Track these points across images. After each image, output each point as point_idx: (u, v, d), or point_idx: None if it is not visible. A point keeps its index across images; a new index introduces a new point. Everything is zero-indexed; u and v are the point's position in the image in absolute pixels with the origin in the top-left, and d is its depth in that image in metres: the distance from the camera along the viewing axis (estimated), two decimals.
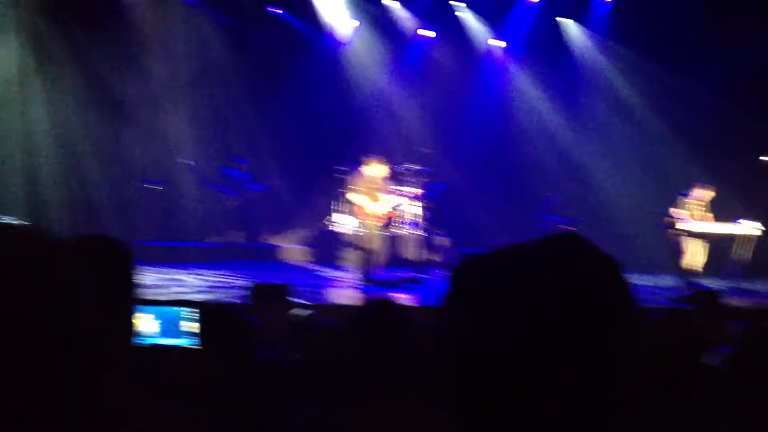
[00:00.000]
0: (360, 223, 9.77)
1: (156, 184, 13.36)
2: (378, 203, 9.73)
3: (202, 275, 10.66)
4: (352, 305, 8.01)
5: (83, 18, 12.67)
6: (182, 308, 5.49)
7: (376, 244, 9.90)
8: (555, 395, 0.88)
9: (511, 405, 0.89)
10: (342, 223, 13.30)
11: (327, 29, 15.02)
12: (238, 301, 7.95)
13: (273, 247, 13.72)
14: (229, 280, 10.08)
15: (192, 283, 9.84)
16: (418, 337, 2.25)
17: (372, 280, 9.67)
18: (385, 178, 10.22)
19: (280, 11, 14.73)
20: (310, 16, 14.83)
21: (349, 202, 10.10)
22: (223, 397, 2.64)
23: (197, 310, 3.82)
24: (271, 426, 2.63)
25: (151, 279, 9.23)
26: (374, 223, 9.76)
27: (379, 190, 9.83)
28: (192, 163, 13.46)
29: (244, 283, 8.91)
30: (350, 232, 12.62)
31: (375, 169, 9.69)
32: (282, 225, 14.59)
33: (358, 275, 9.80)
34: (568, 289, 0.89)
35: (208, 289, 9.31)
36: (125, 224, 12.21)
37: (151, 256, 10.86)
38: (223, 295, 8.60)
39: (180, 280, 9.98)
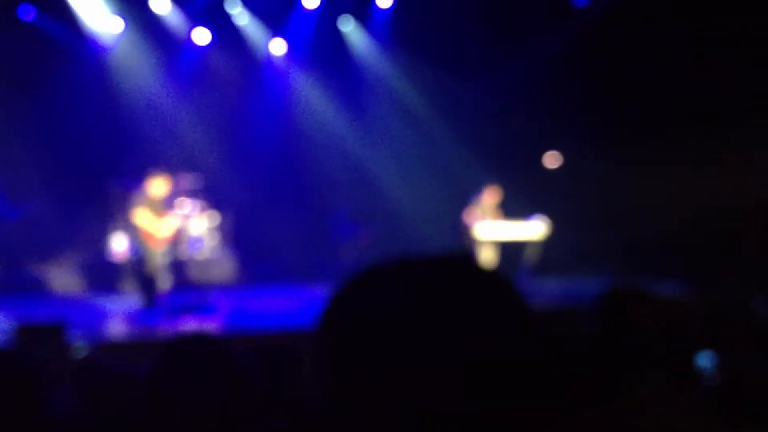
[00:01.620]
0: (142, 245, 9.21)
1: None
2: (162, 223, 9.24)
3: None
4: (142, 342, 7.53)
5: None
6: None
7: (160, 268, 9.41)
8: (458, 416, 0.86)
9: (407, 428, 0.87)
10: (121, 246, 12.57)
11: (87, 33, 14.10)
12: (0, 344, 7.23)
13: (38, 278, 12.67)
14: None
15: None
16: (244, 371, 2.06)
17: (157, 308, 9.17)
18: (167, 196, 9.76)
19: (30, 14, 13.61)
20: (65, 18, 13.84)
21: (130, 224, 9.51)
22: None
23: None
24: None
25: None
26: (158, 245, 9.27)
27: (162, 209, 9.34)
28: None
29: (7, 322, 8.13)
30: (130, 256, 11.96)
31: (157, 187, 9.20)
32: (47, 251, 13.49)
33: (141, 303, 9.25)
34: (465, 303, 0.89)
35: None
36: None
37: None
38: None
39: None
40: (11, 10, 13.27)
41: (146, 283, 9.18)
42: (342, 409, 0.90)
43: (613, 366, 2.09)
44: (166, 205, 9.56)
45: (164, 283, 9.49)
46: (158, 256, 9.24)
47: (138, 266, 10.01)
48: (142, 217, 9.03)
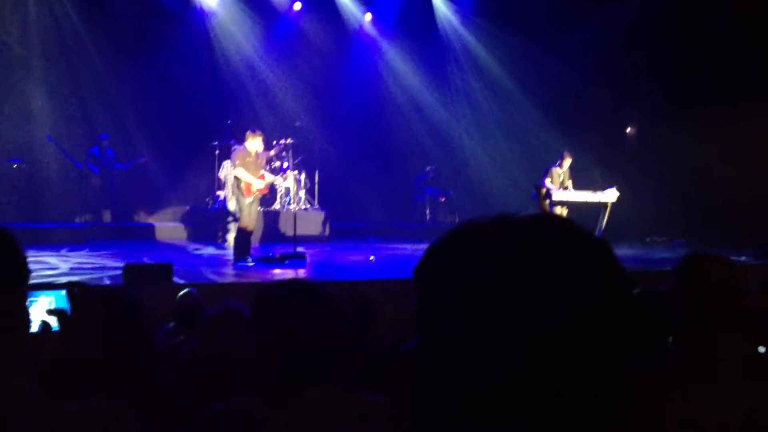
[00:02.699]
0: (240, 198, 9.37)
1: (17, 162, 12.41)
2: (260, 178, 9.37)
3: (71, 257, 9.96)
4: (240, 284, 7.69)
5: None
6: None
7: (255, 220, 9.57)
8: (552, 385, 0.81)
9: (498, 394, 0.82)
10: (221, 199, 12.84)
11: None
12: (111, 282, 7.51)
13: (145, 226, 13.07)
14: (102, 262, 9.45)
15: (61, 266, 9.14)
16: (337, 308, 2.05)
17: (254, 257, 9.35)
18: (264, 153, 9.91)
19: None
20: None
21: (231, 178, 9.68)
22: (128, 387, 2.34)
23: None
24: (187, 417, 2.35)
25: None
26: (256, 198, 9.42)
27: (260, 165, 9.48)
28: (50, 137, 12.54)
29: (117, 263, 8.43)
30: (229, 209, 12.20)
31: (254, 144, 9.31)
32: (154, 202, 13.94)
33: (239, 252, 9.43)
34: (564, 261, 0.83)
35: (78, 271, 8.66)
36: None
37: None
38: (95, 277, 8.04)
39: (47, 263, 9.25)
40: None
41: (242, 233, 9.34)
42: (428, 357, 0.87)
43: (690, 325, 2.01)
44: (262, 160, 9.68)
45: (257, 234, 9.65)
46: (254, 209, 9.39)
47: (235, 218, 10.21)
48: (240, 171, 9.18)
